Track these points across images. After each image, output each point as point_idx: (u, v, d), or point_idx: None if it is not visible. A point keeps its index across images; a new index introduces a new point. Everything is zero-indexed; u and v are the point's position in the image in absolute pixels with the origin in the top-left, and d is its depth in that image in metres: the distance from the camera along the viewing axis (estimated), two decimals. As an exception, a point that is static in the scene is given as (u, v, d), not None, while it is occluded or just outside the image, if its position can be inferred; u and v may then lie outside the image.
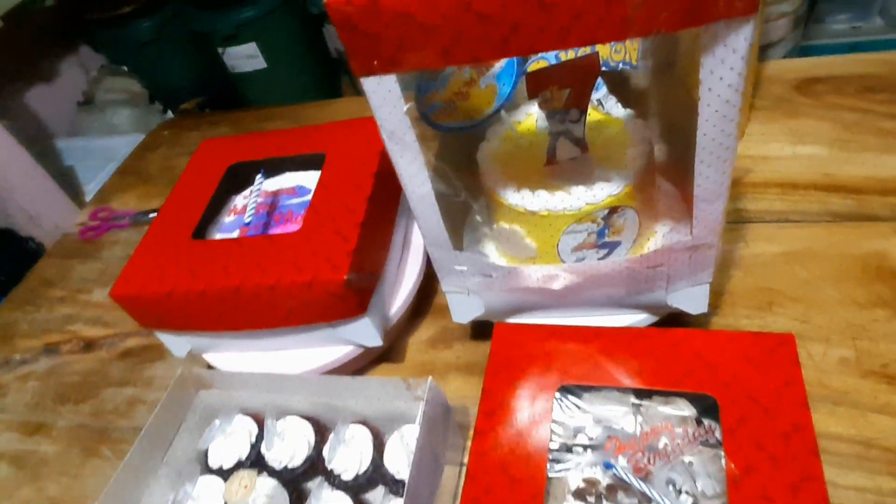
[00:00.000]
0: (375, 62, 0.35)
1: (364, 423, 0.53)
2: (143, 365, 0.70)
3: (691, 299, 0.50)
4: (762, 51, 1.11)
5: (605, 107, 0.55)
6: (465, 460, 0.50)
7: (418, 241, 0.64)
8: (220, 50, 1.68)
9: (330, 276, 0.49)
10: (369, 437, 0.52)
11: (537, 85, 0.47)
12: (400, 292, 0.59)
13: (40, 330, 0.78)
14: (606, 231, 0.51)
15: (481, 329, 0.61)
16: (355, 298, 0.50)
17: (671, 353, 0.45)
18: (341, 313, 0.51)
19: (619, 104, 0.55)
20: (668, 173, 0.59)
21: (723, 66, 0.34)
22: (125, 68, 1.85)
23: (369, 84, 0.36)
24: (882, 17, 1.67)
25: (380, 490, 0.49)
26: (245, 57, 1.71)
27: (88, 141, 1.64)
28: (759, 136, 0.72)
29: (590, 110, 0.55)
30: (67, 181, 1.44)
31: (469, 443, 0.49)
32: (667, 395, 0.44)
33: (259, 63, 1.70)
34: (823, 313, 0.56)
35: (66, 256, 0.88)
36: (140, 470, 0.49)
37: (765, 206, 0.65)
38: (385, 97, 0.37)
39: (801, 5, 1.16)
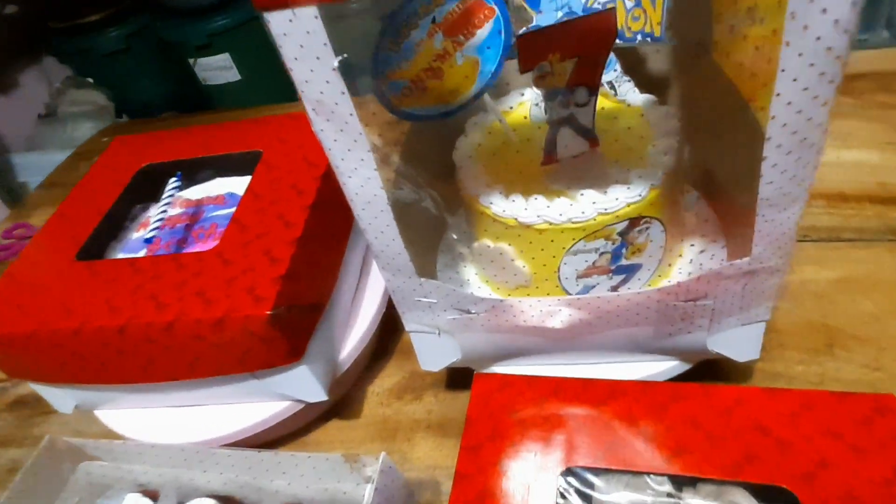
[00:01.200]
0: (283, -17, 0.22)
1: (299, 507, 0.39)
2: (34, 419, 0.55)
3: (739, 343, 0.37)
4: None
5: (618, 92, 0.43)
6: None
7: (381, 263, 0.50)
8: (191, 61, 1.59)
9: (249, 311, 0.35)
10: (305, 529, 0.38)
11: (533, 53, 0.35)
12: (355, 330, 0.46)
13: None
14: (624, 251, 0.38)
15: (460, 375, 0.48)
16: (286, 342, 0.37)
17: (723, 424, 0.32)
18: (267, 361, 0.38)
19: (637, 89, 0.43)
20: (700, 184, 0.46)
21: (828, -11, 0.21)
22: (90, 80, 1.75)
23: (277, 23, 0.24)
24: (888, 30, 1.60)
25: None
26: (218, 68, 1.62)
27: (47, 156, 1.54)
28: (795, 140, 0.60)
29: (599, 96, 0.42)
30: (17, 199, 1.33)
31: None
32: (718, 483, 0.31)
33: (233, 75, 1.61)
34: (902, 359, 0.43)
35: (-33, 281, 0.74)
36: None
37: (810, 222, 0.53)
38: (304, 44, 0.24)
39: None
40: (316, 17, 0.23)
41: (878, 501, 0.28)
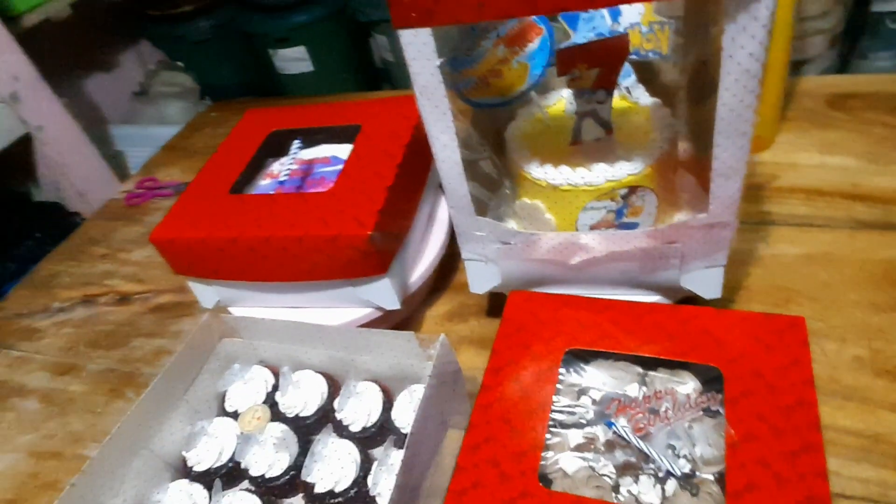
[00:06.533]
0: (413, 14, 0.38)
1: (375, 381, 0.54)
2: (172, 319, 0.73)
3: (705, 282, 0.50)
4: (796, 67, 1.11)
5: (632, 95, 0.57)
6: (471, 425, 0.52)
7: (444, 216, 0.66)
8: (270, 52, 1.76)
9: (355, 231, 0.51)
10: (379, 393, 0.53)
11: (567, 63, 0.49)
12: (421, 262, 0.61)
13: (80, 283, 0.82)
14: (625, 211, 0.52)
15: (497, 305, 0.63)
16: (377, 257, 0.53)
17: (680, 328, 0.45)
18: (363, 270, 0.54)
19: (647, 93, 0.57)
20: (693, 169, 0.60)
21: (744, 34, 0.35)
22: (180, 64, 1.93)
23: (406, 36, 0.39)
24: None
25: (387, 443, 0.50)
26: (294, 59, 1.78)
27: (140, 129, 1.73)
28: (788, 146, 0.73)
29: (618, 97, 0.56)
30: (117, 164, 1.52)
31: (476, 408, 0.50)
32: (672, 367, 0.45)
33: (307, 66, 1.77)
34: (840, 314, 0.55)
35: (110, 219, 0.93)
36: (161, 402, 0.52)
37: (788, 210, 0.66)
38: (420, 50, 0.39)
39: (837, 24, 1.17)
40: (429, 35, 0.39)
41: (774, 377, 0.41)
